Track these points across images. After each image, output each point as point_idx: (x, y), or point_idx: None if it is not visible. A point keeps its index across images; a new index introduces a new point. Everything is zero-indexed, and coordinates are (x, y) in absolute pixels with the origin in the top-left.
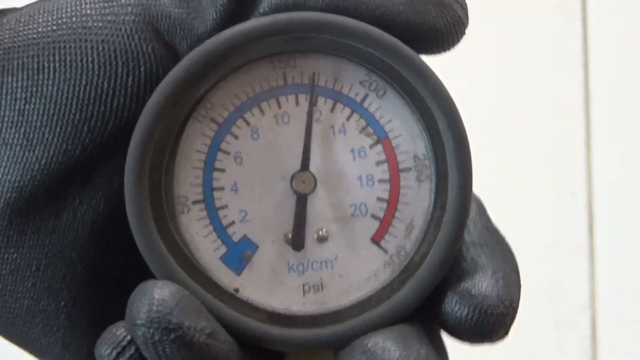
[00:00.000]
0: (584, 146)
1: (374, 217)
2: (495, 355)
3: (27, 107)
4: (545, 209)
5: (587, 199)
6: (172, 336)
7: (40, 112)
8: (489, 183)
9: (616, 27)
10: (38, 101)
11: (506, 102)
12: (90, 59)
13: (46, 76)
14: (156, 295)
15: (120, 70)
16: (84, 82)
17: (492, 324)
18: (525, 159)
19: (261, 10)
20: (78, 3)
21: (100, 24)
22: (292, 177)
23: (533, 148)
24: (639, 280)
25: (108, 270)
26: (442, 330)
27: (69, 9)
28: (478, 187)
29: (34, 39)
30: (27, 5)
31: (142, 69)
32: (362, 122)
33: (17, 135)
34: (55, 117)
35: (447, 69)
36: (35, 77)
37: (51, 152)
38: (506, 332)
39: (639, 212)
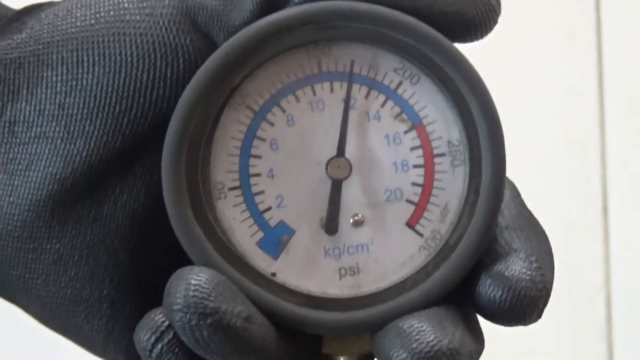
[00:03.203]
0: (597, 129)
1: (409, 201)
2: (511, 336)
3: (67, 100)
4: (560, 192)
5: (601, 182)
6: (208, 321)
7: (81, 105)
8: None
9: (629, 8)
10: (78, 94)
11: (520, 86)
12: (129, 52)
13: (85, 70)
14: (192, 281)
15: (159, 63)
16: (123, 75)
17: (525, 306)
18: (539, 143)
19: (296, 0)
20: None
21: (138, 17)
22: (328, 163)
23: (547, 131)
24: None
25: (150, 259)
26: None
27: (106, 3)
28: None
29: (73, 33)
30: (64, 0)
31: (180, 61)
32: (397, 109)
33: (57, 128)
34: (96, 110)
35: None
36: (75, 70)
37: (92, 145)
38: (539, 315)
39: None
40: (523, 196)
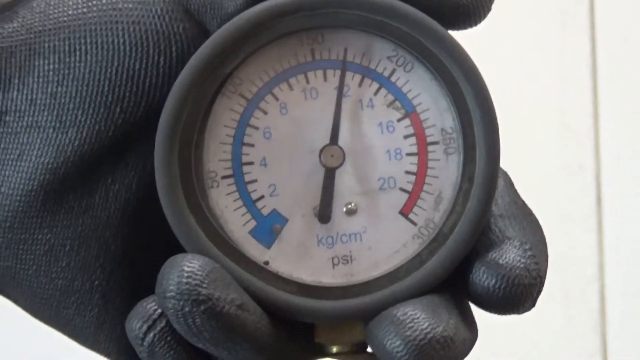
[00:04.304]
0: (591, 118)
1: (402, 190)
2: (504, 326)
3: (59, 89)
4: (554, 182)
5: (595, 171)
6: (202, 307)
7: (73, 95)
8: None
9: None
10: (70, 83)
11: (513, 75)
12: (121, 40)
13: (78, 58)
14: (186, 268)
15: (151, 51)
16: (115, 64)
17: (519, 294)
18: (533, 132)
19: None
20: None
21: (130, 5)
22: (321, 151)
23: (541, 121)
24: None
25: (141, 248)
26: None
27: None
28: None
29: (65, 21)
30: None
31: (173, 49)
32: (390, 97)
33: (49, 117)
34: (88, 99)
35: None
36: (67, 59)
37: (84, 134)
38: (533, 303)
39: None
40: (517, 185)
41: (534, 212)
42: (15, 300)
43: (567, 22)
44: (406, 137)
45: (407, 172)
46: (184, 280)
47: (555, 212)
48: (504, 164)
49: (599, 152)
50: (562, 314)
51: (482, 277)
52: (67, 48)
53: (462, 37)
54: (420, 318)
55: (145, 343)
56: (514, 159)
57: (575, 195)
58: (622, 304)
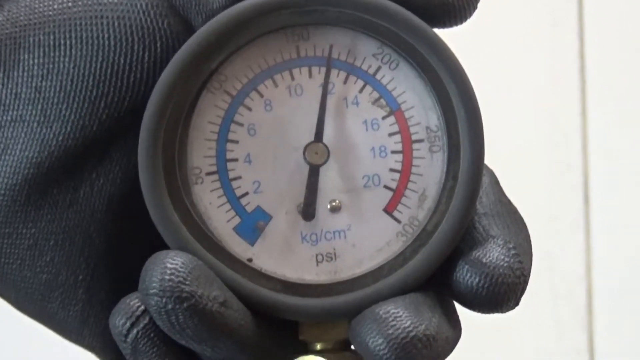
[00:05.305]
0: (579, 117)
1: (386, 187)
2: (491, 326)
3: (43, 83)
4: (541, 181)
5: (583, 170)
6: (184, 305)
7: (57, 89)
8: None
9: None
10: (55, 78)
11: (502, 74)
12: (106, 35)
13: (62, 53)
14: (168, 265)
15: (136, 46)
16: (100, 59)
17: (502, 293)
18: (521, 131)
19: None
20: None
21: (115, 0)
22: (305, 149)
23: (529, 120)
24: (635, 251)
25: (126, 244)
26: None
27: None
28: None
29: (50, 16)
30: None
31: (158, 45)
32: (375, 94)
33: (34, 112)
34: (72, 94)
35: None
36: (52, 54)
37: (68, 129)
38: (517, 302)
39: (634, 183)
40: (505, 185)
41: (522, 211)
42: (1, 294)
43: (556, 21)
44: (391, 134)
45: (392, 170)
46: (167, 277)
47: (543, 211)
48: (492, 163)
49: (587, 151)
50: (550, 312)
51: (465, 275)
52: (52, 42)
53: (451, 36)
54: (402, 316)
55: (128, 340)
56: (503, 158)
57: (563, 194)
58: (609, 303)
